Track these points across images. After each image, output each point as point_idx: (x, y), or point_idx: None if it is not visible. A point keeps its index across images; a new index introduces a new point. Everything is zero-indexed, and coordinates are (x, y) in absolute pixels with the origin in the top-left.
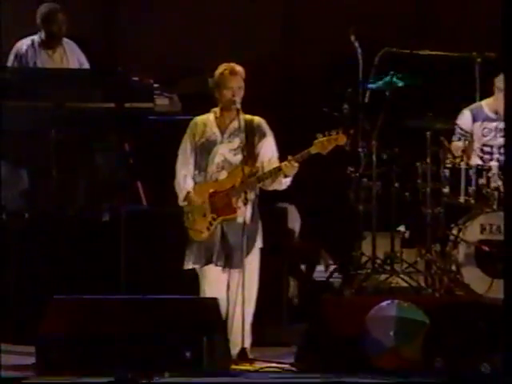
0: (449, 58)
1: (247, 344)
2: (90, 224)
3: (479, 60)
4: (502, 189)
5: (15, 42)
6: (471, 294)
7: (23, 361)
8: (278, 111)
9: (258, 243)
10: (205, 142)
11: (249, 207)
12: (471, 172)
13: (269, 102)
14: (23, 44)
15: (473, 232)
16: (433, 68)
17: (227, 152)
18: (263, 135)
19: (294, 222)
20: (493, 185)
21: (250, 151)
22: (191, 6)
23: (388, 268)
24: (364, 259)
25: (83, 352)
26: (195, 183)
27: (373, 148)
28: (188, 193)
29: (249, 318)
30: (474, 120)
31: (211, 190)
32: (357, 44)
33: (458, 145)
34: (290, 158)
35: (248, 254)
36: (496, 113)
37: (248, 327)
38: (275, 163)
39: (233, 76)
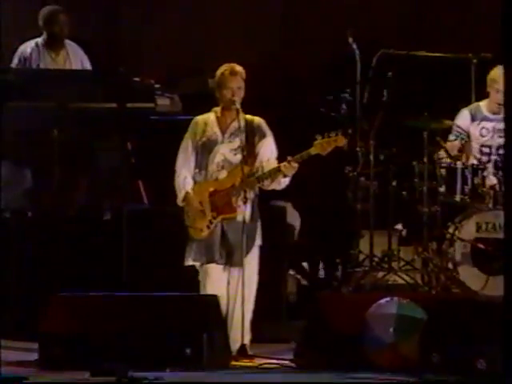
0: (445, 59)
1: (247, 340)
2: (92, 222)
3: (475, 61)
4: (497, 188)
5: (15, 42)
6: (467, 291)
7: (23, 357)
8: (277, 111)
9: (258, 241)
10: (206, 142)
11: (248, 206)
12: (467, 171)
13: (269, 101)
14: (27, 47)
15: (469, 230)
16: (430, 69)
17: (227, 152)
18: (263, 135)
19: (294, 220)
20: (488, 184)
21: (249, 151)
22: (192, 7)
23: (385, 266)
24: (362, 257)
25: (84, 349)
26: (195, 182)
27: (370, 148)
28: (187, 193)
29: (248, 315)
30: (473, 120)
31: (211, 189)
32: (354, 46)
33: (454, 144)
34: (289, 158)
35: (248, 252)
36: (494, 113)
37: (247, 324)
38: (274, 163)
39: (233, 76)
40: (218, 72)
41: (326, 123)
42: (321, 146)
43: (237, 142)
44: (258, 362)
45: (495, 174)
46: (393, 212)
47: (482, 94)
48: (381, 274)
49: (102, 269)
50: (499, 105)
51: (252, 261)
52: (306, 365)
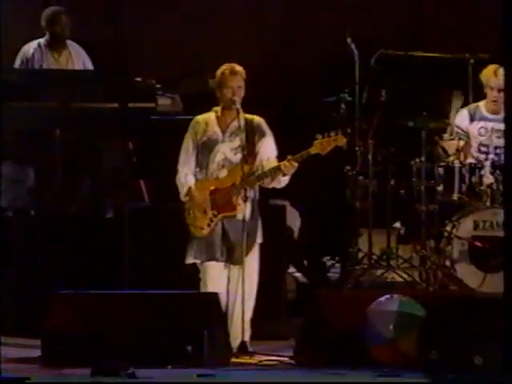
0: (443, 60)
1: (247, 337)
2: (94, 221)
3: (472, 61)
4: (494, 186)
5: (15, 42)
6: (464, 288)
7: (26, 354)
8: (277, 111)
9: (258, 239)
10: (206, 141)
11: (248, 204)
12: (464, 170)
13: (269, 101)
14: (30, 47)
15: (466, 228)
16: (428, 69)
17: (228, 151)
18: (263, 134)
19: (294, 219)
20: (485, 182)
21: (250, 150)
22: (192, 7)
23: (384, 263)
24: (361, 255)
25: (86, 346)
26: (196, 180)
27: (369, 147)
28: (189, 188)
29: (249, 313)
30: (471, 119)
31: (212, 188)
32: (353, 46)
33: (453, 143)
34: (289, 157)
35: (248, 250)
36: (493, 112)
37: (248, 321)
38: (274, 162)
39: (233, 76)
40: (219, 72)
41: (325, 123)
42: (320, 146)
43: (237, 142)
44: (258, 358)
45: (492, 173)
46: (391, 210)
47: (480, 94)
48: (379, 272)
49: (104, 267)
50: (495, 102)
51: (252, 259)
52: (305, 361)
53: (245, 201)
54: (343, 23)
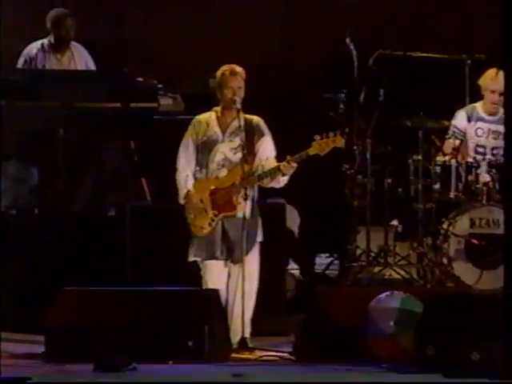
0: (440, 60)
1: (247, 334)
2: (96, 219)
3: (469, 62)
4: (490, 185)
5: (15, 42)
6: (461, 285)
7: (30, 349)
8: (277, 111)
9: (259, 238)
10: (206, 141)
11: (248, 203)
12: (461, 169)
13: (269, 101)
14: (33, 48)
15: (463, 226)
16: (426, 69)
17: (228, 151)
18: (262, 134)
19: (293, 217)
20: (482, 181)
21: (249, 150)
22: (192, 7)
23: (382, 260)
24: (359, 252)
25: (89, 342)
26: (196, 179)
27: (367, 146)
28: (188, 191)
29: (249, 313)
30: (469, 120)
31: (212, 187)
32: (352, 46)
33: (450, 143)
34: (288, 158)
35: (248, 249)
36: (490, 114)
37: (248, 318)
38: (273, 162)
39: (233, 76)
40: (219, 72)
41: (324, 122)
42: (319, 147)
43: (237, 141)
44: (258, 354)
45: (489, 172)
46: (389, 209)
47: (477, 95)
48: (377, 269)
49: (106, 264)
50: (495, 104)
51: (253, 258)
52: (304, 357)
53: (245, 199)
54: (343, 23)
